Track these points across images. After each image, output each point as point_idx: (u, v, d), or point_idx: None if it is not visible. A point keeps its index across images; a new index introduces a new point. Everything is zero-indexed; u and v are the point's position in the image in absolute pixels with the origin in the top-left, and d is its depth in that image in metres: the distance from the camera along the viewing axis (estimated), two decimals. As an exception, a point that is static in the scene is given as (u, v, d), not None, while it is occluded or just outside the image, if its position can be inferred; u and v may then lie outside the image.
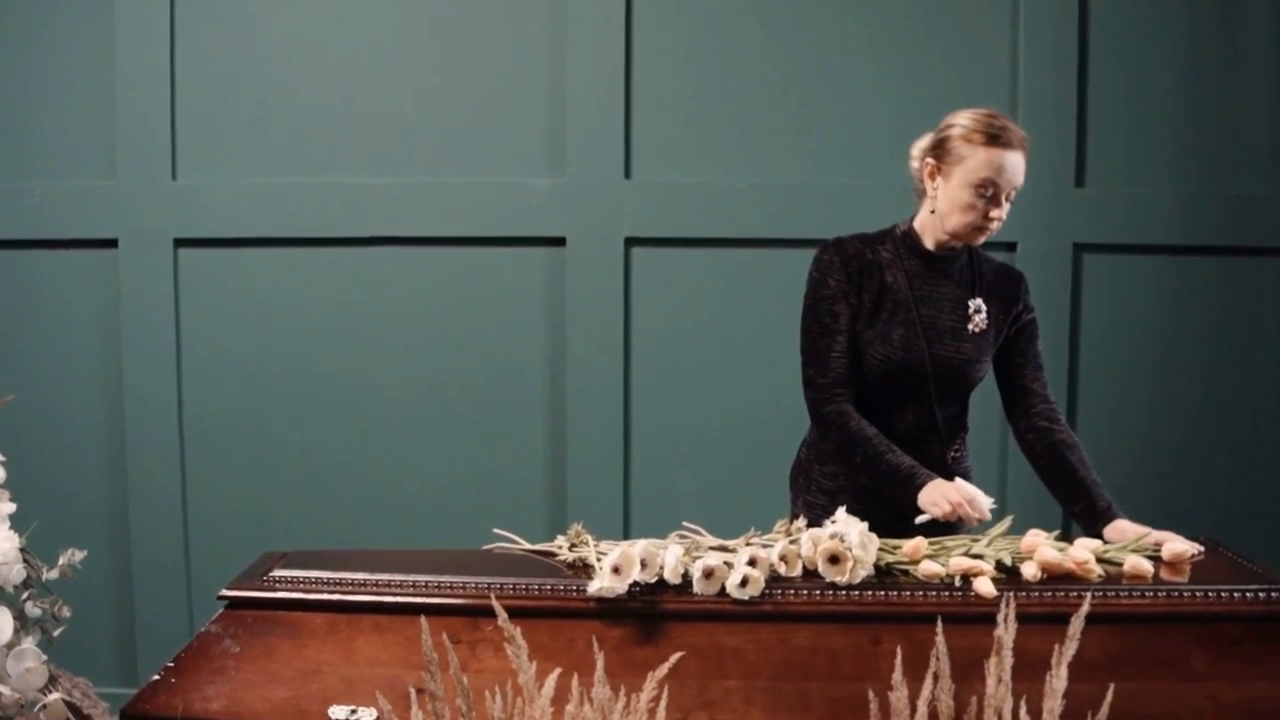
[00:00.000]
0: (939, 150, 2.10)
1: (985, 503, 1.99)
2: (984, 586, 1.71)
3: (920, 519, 1.98)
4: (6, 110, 3.19)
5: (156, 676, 1.72)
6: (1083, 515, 2.05)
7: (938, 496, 1.98)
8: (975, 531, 1.99)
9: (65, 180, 3.18)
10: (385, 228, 3.17)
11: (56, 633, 1.98)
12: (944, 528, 1.98)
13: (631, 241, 3.16)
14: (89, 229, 3.18)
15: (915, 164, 2.16)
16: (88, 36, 3.15)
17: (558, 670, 1.46)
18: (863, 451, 2.09)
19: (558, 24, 3.13)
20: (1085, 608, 1.46)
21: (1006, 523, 1.92)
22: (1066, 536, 1.90)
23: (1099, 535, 1.98)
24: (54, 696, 1.87)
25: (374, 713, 1.61)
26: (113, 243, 3.17)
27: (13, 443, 2.03)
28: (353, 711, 1.64)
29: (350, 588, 1.77)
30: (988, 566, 1.76)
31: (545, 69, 3.15)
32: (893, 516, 1.98)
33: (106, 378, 3.23)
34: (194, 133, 3.17)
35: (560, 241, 3.16)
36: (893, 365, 2.13)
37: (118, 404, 3.22)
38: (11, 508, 1.94)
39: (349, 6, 3.16)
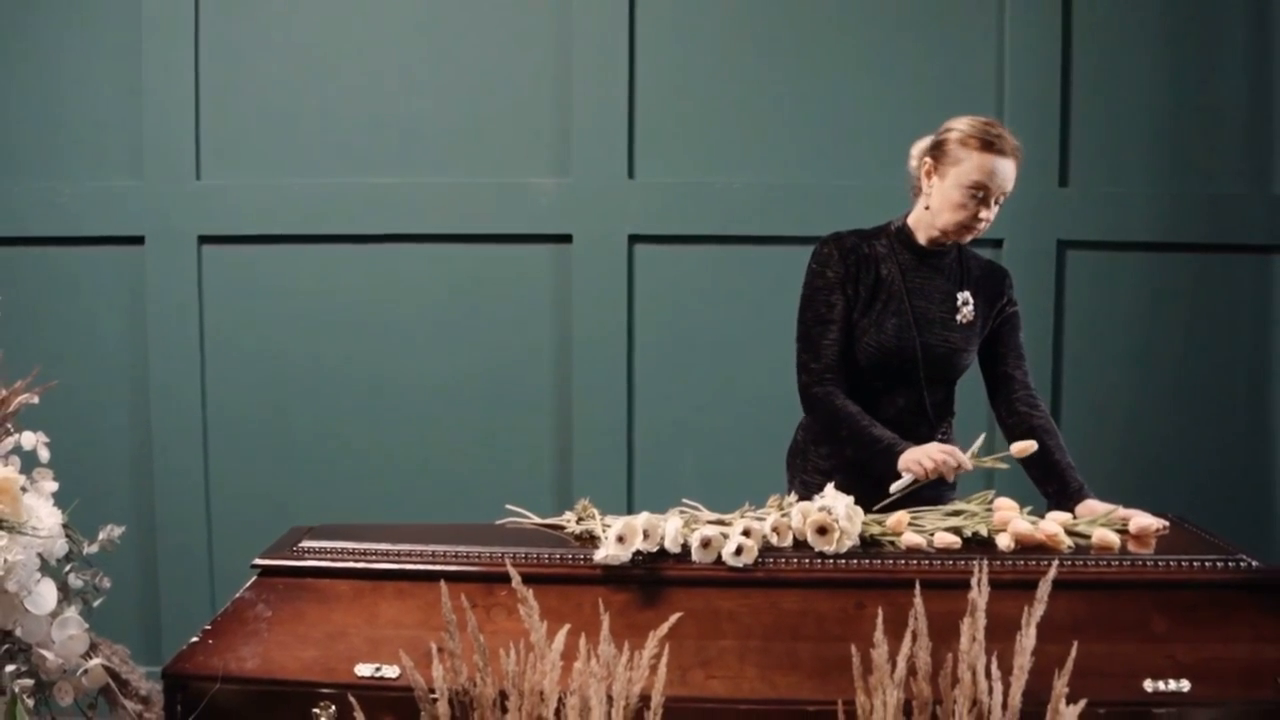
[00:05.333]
0: (937, 151, 2.17)
1: (963, 455, 2.06)
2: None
3: (897, 485, 2.05)
4: (37, 113, 3.26)
5: (195, 639, 1.80)
6: (1056, 495, 2.12)
7: (920, 456, 2.04)
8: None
9: (94, 180, 3.25)
10: (400, 225, 3.24)
11: (96, 603, 2.06)
12: (925, 497, 2.09)
13: (635, 239, 3.22)
14: (117, 227, 3.24)
15: (914, 163, 2.24)
16: (114, 43, 3.22)
17: (566, 627, 1.55)
18: (848, 426, 2.17)
19: (564, 32, 3.20)
20: (1052, 572, 1.54)
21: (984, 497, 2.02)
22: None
23: (1071, 513, 2.03)
24: (95, 662, 1.98)
25: (397, 670, 1.69)
26: (139, 240, 3.24)
27: (44, 430, 2.10)
28: (377, 669, 1.72)
29: (374, 557, 1.86)
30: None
31: (552, 74, 3.22)
32: (880, 494, 2.05)
33: (133, 368, 3.29)
34: (217, 135, 3.24)
35: (566, 239, 3.23)
36: (886, 352, 2.22)
37: (144, 394, 3.28)
38: (54, 486, 2.03)
39: (366, 14, 3.23)
